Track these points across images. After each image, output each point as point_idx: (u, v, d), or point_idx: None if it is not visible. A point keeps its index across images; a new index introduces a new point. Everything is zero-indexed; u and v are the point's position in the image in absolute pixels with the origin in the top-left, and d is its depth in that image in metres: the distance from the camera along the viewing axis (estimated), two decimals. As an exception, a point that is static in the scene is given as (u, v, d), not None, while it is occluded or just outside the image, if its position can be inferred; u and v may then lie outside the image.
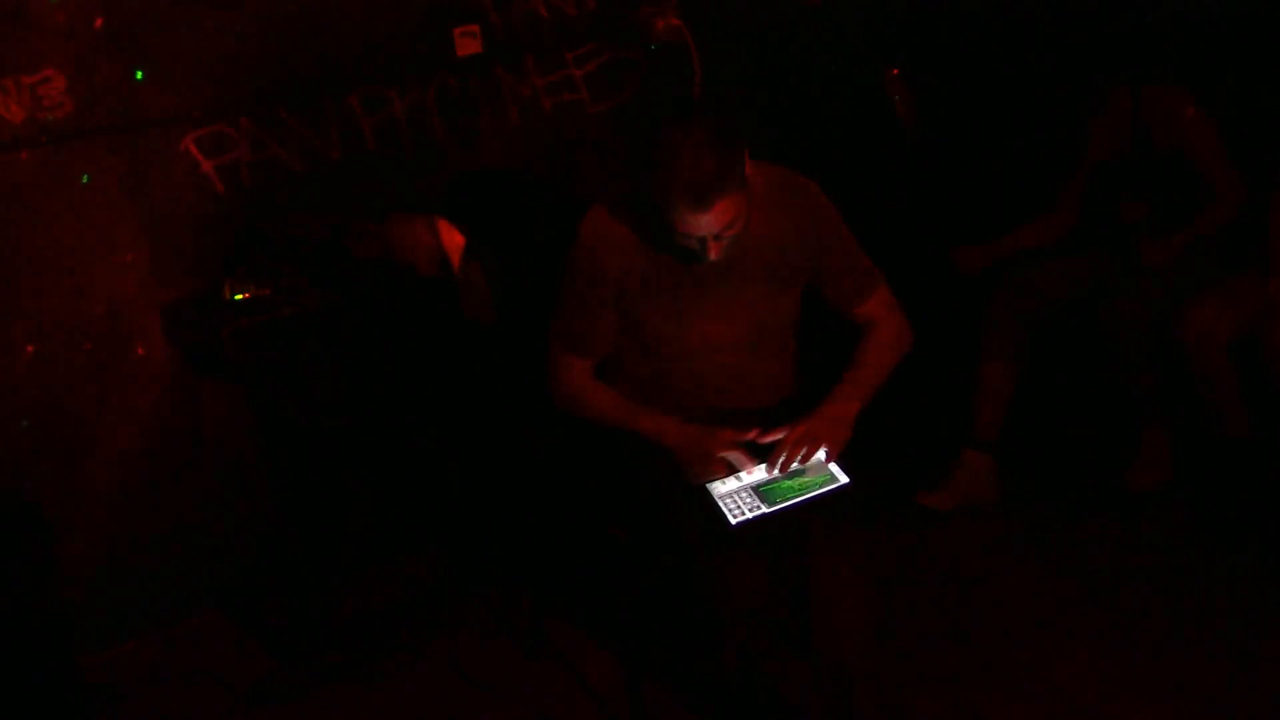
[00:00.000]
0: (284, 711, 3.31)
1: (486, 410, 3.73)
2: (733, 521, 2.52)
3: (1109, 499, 3.67)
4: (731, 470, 2.62)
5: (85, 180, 3.43)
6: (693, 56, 4.15)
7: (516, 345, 2.92)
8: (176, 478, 3.68)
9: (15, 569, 3.15)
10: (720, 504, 2.55)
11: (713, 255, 2.57)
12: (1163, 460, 3.68)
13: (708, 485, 2.60)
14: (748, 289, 2.71)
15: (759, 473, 2.61)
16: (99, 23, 3.37)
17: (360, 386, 3.65)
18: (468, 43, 3.88)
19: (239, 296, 3.39)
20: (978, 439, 3.74)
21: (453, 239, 3.60)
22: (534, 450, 3.56)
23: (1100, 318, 3.53)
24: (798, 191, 2.75)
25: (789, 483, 2.57)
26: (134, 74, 3.43)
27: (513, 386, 3.45)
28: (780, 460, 2.59)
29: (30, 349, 3.44)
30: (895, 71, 4.26)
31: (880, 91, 4.26)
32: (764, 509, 2.52)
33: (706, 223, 2.50)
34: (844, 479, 2.55)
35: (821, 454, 2.60)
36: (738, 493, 2.57)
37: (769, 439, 2.65)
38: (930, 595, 3.37)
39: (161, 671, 3.54)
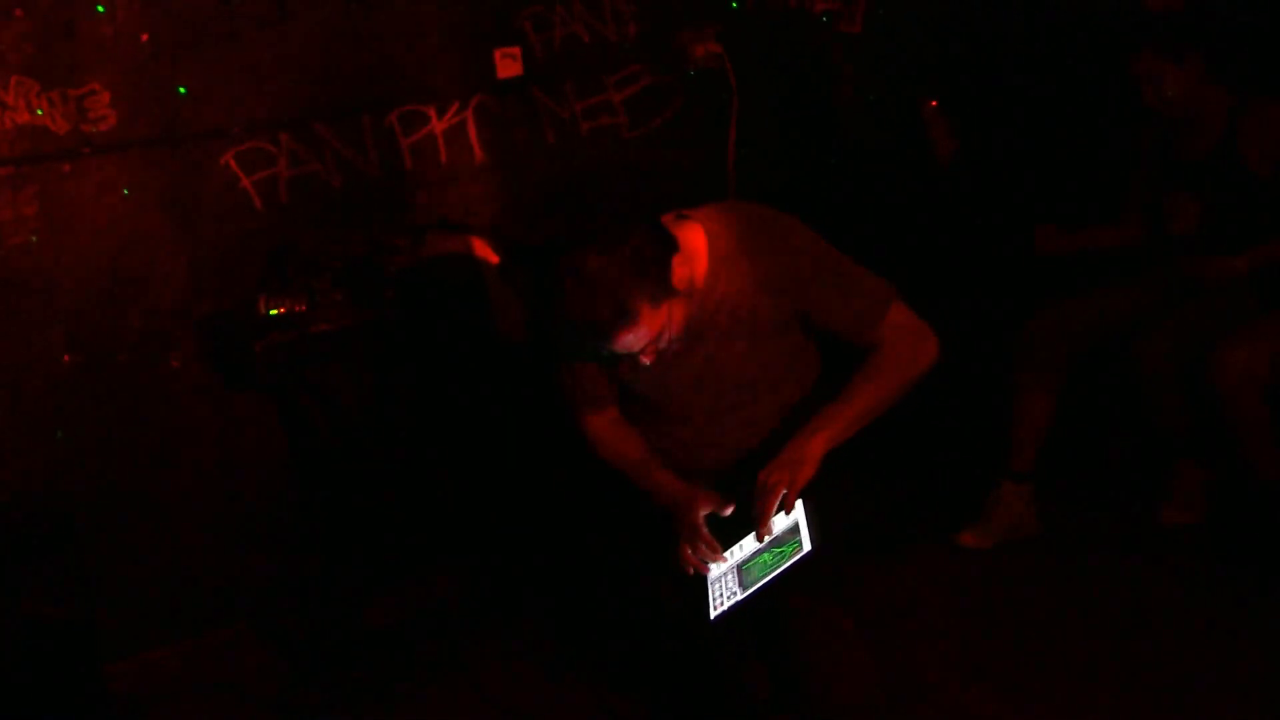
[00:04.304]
0: (306, 727, 3.32)
1: (518, 430, 3.74)
2: (712, 615, 2.42)
3: (1140, 534, 3.63)
4: (711, 555, 2.49)
5: (126, 192, 3.47)
6: (731, 83, 4.16)
7: (548, 365, 2.92)
8: (206, 490, 3.70)
9: (45, 576, 3.16)
10: (710, 590, 2.46)
11: (647, 361, 2.49)
12: (1196, 498, 3.64)
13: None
14: (729, 349, 2.59)
15: (748, 545, 2.49)
16: (144, 38, 3.42)
17: (391, 403, 3.66)
18: (508, 65, 3.91)
19: (274, 312, 3.41)
20: (1016, 471, 3.71)
21: (487, 258, 3.61)
22: (565, 482, 3.56)
23: (1134, 355, 3.49)
24: (768, 237, 2.57)
25: (765, 556, 2.43)
26: (177, 89, 3.47)
27: (544, 406, 3.45)
28: (761, 527, 2.45)
29: (67, 358, 3.47)
30: (934, 104, 4.24)
31: (918, 123, 4.25)
32: (739, 595, 2.40)
33: (621, 347, 2.42)
34: (807, 546, 2.38)
35: (794, 516, 2.45)
36: (724, 576, 2.47)
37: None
38: (956, 630, 3.34)
39: (185, 682, 3.56)
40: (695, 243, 2.53)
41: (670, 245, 2.42)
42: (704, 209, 2.62)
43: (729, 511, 2.50)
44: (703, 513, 2.50)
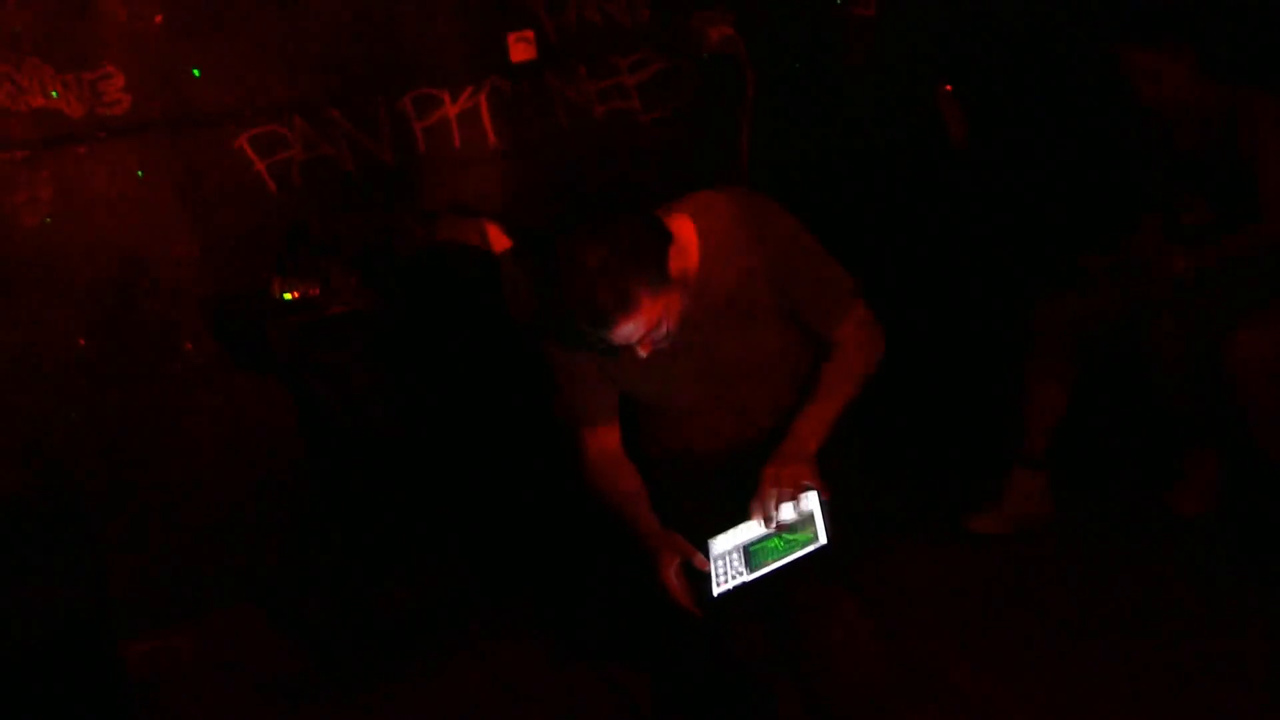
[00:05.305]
0: (317, 708, 3.33)
1: (531, 414, 3.74)
2: (715, 592, 2.42)
3: (1153, 522, 3.63)
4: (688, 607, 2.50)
5: (140, 175, 3.48)
6: (745, 66, 4.15)
7: (546, 384, 2.90)
8: (217, 472, 3.72)
9: (60, 559, 3.18)
10: (713, 566, 2.46)
11: (644, 353, 2.46)
12: (1208, 485, 3.64)
13: (708, 542, 2.51)
14: (725, 338, 2.59)
15: (755, 528, 2.49)
16: (158, 20, 3.42)
17: (405, 387, 3.67)
18: (521, 48, 3.90)
19: (287, 295, 3.42)
20: (1028, 457, 3.70)
21: (501, 242, 3.61)
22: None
23: (1148, 341, 3.49)
24: (755, 224, 2.57)
25: (775, 541, 2.44)
26: (191, 71, 3.47)
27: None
28: (764, 515, 2.46)
29: (81, 341, 3.48)
30: (948, 87, 4.23)
31: (932, 106, 4.24)
32: (745, 576, 2.40)
33: (619, 337, 2.39)
34: (822, 539, 2.38)
35: (810, 505, 2.46)
36: (729, 553, 2.47)
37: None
38: (966, 617, 3.35)
39: (197, 663, 3.58)
40: (686, 235, 2.52)
41: (666, 236, 2.42)
42: (689, 200, 2.61)
43: (697, 564, 2.48)
44: (672, 569, 2.49)
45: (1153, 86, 3.49)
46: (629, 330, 2.38)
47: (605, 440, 2.74)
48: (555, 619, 3.55)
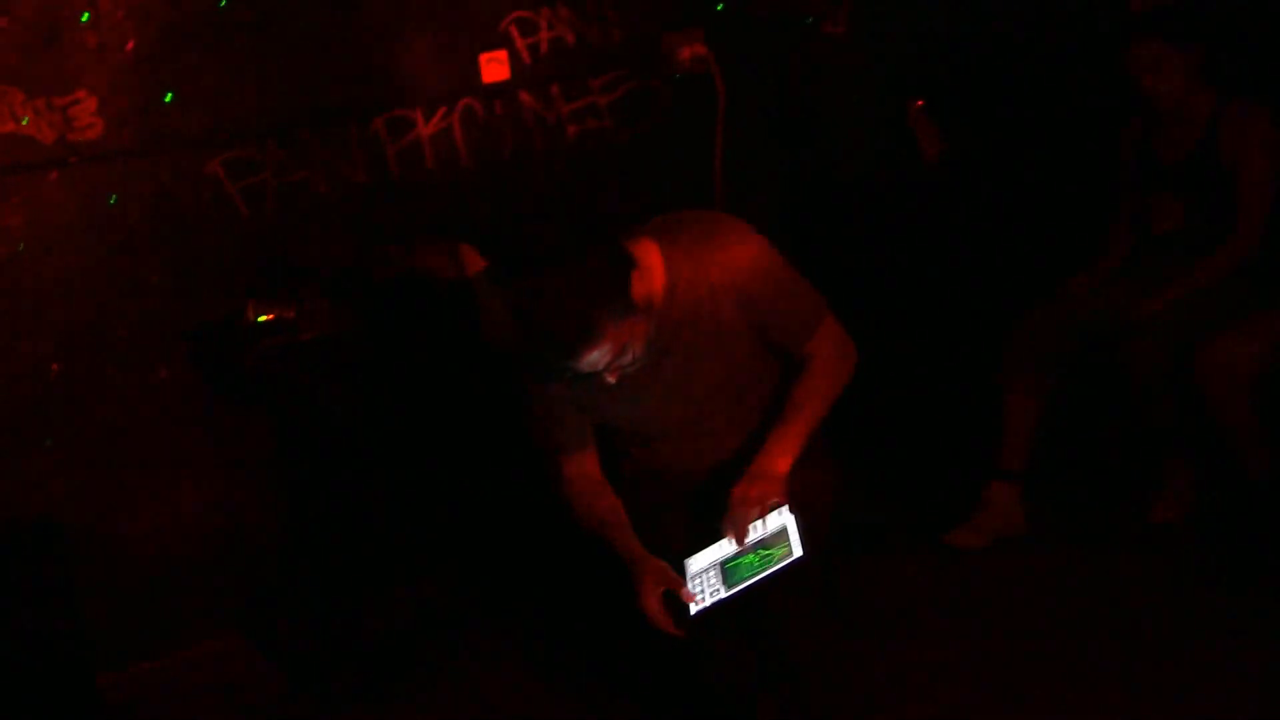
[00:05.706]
0: (299, 734, 3.32)
1: (507, 436, 3.74)
2: (693, 610, 2.43)
3: (1131, 532, 3.64)
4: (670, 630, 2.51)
5: (113, 201, 3.47)
6: (718, 85, 4.16)
7: (521, 416, 2.89)
8: (197, 499, 3.70)
9: (37, 587, 3.16)
10: (690, 585, 2.47)
11: (612, 380, 2.45)
12: (1185, 495, 3.65)
13: (684, 562, 2.52)
14: (696, 363, 2.58)
15: (730, 545, 2.50)
16: (130, 45, 3.41)
17: (381, 409, 3.66)
18: (493, 69, 3.91)
19: (262, 319, 3.41)
20: (1005, 470, 3.71)
21: (475, 264, 3.61)
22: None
23: (1122, 351, 3.50)
24: (720, 245, 2.55)
25: (750, 557, 2.44)
26: (163, 96, 3.47)
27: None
28: (735, 535, 2.48)
29: (55, 367, 3.47)
30: (919, 103, 4.25)
31: (904, 124, 4.25)
32: (722, 593, 2.41)
33: (585, 365, 2.38)
34: (798, 552, 2.39)
35: (782, 519, 2.47)
36: (706, 572, 2.48)
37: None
38: (947, 631, 3.35)
39: (179, 692, 3.55)
40: (650, 259, 2.51)
41: (628, 262, 2.42)
42: (654, 223, 2.60)
43: (681, 592, 2.49)
44: (654, 596, 2.50)
45: (1153, 77, 3.51)
46: (594, 358, 2.37)
47: (583, 466, 2.73)
48: (538, 640, 3.53)
